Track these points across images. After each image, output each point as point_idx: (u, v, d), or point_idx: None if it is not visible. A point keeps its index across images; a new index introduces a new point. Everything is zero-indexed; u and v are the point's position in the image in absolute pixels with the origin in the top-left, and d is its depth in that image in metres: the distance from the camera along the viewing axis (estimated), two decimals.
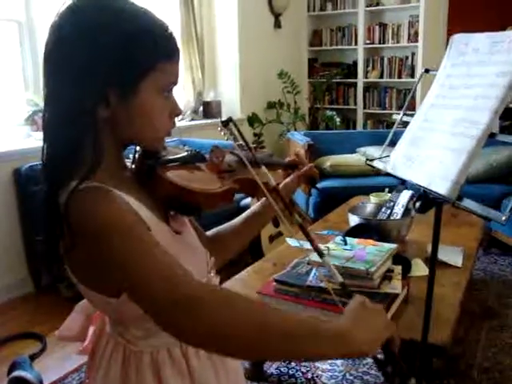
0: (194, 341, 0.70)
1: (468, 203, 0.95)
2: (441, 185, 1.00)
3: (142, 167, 0.85)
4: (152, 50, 0.76)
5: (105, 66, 0.74)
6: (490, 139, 1.02)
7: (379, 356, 0.77)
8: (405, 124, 1.34)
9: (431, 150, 1.10)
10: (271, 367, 2.22)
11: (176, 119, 0.86)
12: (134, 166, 0.88)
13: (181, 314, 0.66)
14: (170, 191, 0.81)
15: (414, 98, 4.83)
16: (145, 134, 0.81)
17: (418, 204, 1.07)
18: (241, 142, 0.98)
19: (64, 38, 0.75)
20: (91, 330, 0.92)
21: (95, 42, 0.73)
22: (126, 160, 0.88)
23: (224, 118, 0.96)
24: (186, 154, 0.91)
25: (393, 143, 1.36)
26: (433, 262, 1.21)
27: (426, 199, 1.05)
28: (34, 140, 3.15)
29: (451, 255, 2.10)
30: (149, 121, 0.79)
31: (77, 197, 0.70)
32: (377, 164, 1.28)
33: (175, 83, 0.82)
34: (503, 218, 0.87)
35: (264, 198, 1.04)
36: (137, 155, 0.88)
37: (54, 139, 0.77)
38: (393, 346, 0.75)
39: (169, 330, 0.69)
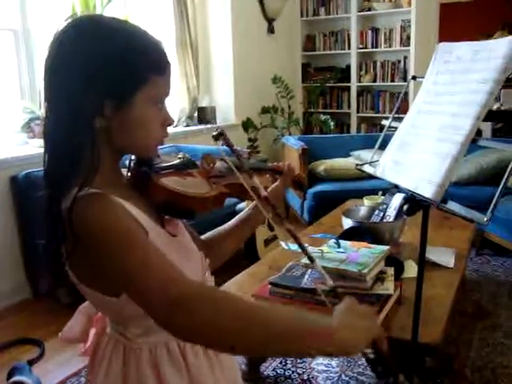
0: (185, 337, 0.74)
1: (452, 205, 0.98)
2: (426, 188, 1.03)
3: (137, 174, 0.90)
4: (144, 64, 0.81)
5: (100, 81, 0.78)
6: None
7: (371, 356, 0.79)
8: (396, 128, 1.39)
9: (418, 154, 1.14)
10: (268, 369, 2.25)
11: (169, 128, 0.90)
12: (129, 174, 0.92)
13: (174, 313, 0.70)
14: (164, 196, 0.86)
15: (406, 101, 4.88)
16: (138, 143, 0.85)
17: (405, 207, 1.11)
18: (234, 147, 1.03)
19: (62, 54, 0.80)
20: (92, 331, 0.96)
21: (91, 58, 0.78)
22: (122, 168, 0.92)
23: (217, 126, 1.01)
24: (178, 161, 0.96)
25: (384, 147, 1.39)
26: (421, 262, 1.25)
27: (413, 202, 1.09)
28: (31, 147, 3.18)
29: (443, 256, 2.14)
30: (142, 131, 0.84)
31: (79, 203, 0.74)
32: (367, 168, 1.32)
33: (167, 95, 0.87)
34: (485, 220, 0.91)
35: (254, 202, 1.09)
36: (132, 163, 0.92)
37: (54, 149, 0.82)
38: (380, 346, 0.77)
39: (165, 327, 0.72)
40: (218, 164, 1.01)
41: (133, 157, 0.92)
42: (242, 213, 1.14)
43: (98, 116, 0.80)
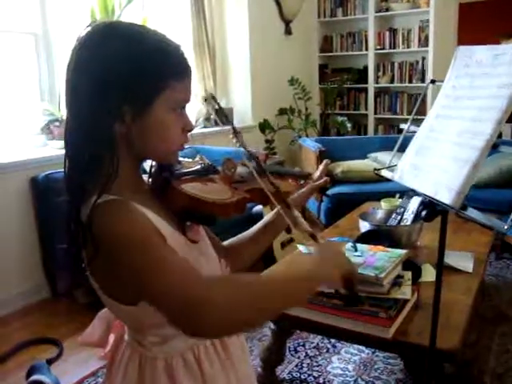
0: (210, 335, 0.79)
1: (471, 212, 0.97)
2: (445, 194, 1.02)
3: (158, 180, 0.90)
4: (164, 69, 0.81)
5: (119, 86, 0.79)
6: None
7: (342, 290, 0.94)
8: (414, 132, 1.37)
9: (437, 159, 1.13)
10: (283, 372, 2.24)
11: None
12: (150, 180, 0.92)
13: (194, 315, 0.71)
14: (185, 202, 0.86)
15: (424, 103, 4.83)
16: (159, 149, 0.86)
17: (423, 212, 1.10)
18: (251, 149, 1.03)
19: (82, 61, 0.80)
20: (112, 337, 0.96)
21: (110, 64, 0.78)
22: (144, 175, 0.92)
23: (235, 125, 1.01)
24: (199, 166, 0.95)
25: (402, 150, 1.38)
26: (439, 268, 1.23)
27: (431, 208, 1.08)
28: (51, 149, 3.22)
29: (462, 261, 2.11)
30: (162, 136, 0.84)
31: (98, 210, 0.75)
32: (385, 173, 1.31)
33: (187, 100, 0.87)
34: (505, 227, 0.89)
35: (278, 207, 1.08)
36: (153, 169, 0.92)
37: (75, 155, 0.82)
38: (350, 281, 0.89)
39: (187, 331, 0.74)
40: (240, 169, 1.01)
41: (154, 163, 0.92)
42: (265, 218, 1.14)
43: (118, 122, 0.80)
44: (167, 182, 0.88)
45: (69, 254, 0.81)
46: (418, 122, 1.35)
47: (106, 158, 0.80)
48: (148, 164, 0.93)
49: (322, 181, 1.14)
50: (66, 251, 0.82)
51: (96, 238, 0.75)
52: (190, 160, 1.00)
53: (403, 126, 1.38)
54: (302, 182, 1.15)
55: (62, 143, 3.18)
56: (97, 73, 0.79)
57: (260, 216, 1.18)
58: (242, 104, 4.94)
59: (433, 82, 1.30)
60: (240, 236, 1.13)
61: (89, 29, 0.82)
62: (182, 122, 0.86)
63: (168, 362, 0.87)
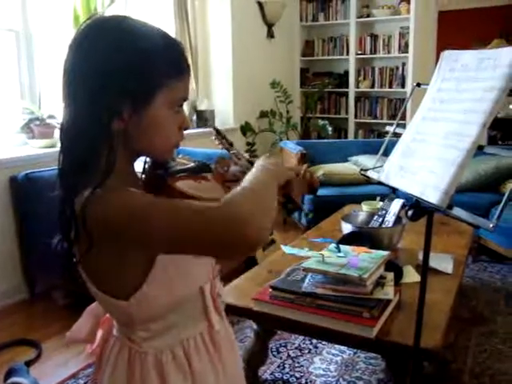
0: (260, 240, 0.78)
1: (458, 212, 1.00)
2: (432, 194, 1.05)
3: (152, 177, 0.90)
4: (164, 66, 0.81)
5: (119, 82, 0.78)
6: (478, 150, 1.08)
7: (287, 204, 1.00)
8: (397, 135, 1.40)
9: (423, 160, 1.15)
10: (266, 373, 2.25)
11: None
12: (143, 177, 0.92)
13: (237, 233, 0.74)
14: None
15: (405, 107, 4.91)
16: (155, 146, 0.85)
17: (410, 212, 1.12)
18: (235, 150, 1.04)
19: (81, 55, 0.80)
20: (99, 333, 0.96)
21: (110, 58, 0.78)
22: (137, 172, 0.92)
23: (217, 126, 1.03)
24: (193, 164, 0.96)
25: (385, 153, 1.41)
26: (425, 268, 1.26)
27: (418, 208, 1.10)
28: (31, 148, 3.18)
29: (442, 262, 2.15)
30: (159, 133, 0.84)
31: (93, 202, 0.74)
32: (371, 174, 1.33)
33: (185, 99, 0.87)
34: (491, 226, 0.92)
35: None
36: (147, 166, 0.92)
37: (71, 150, 0.81)
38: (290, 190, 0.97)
39: (239, 252, 0.79)
40: (233, 168, 1.02)
41: (148, 159, 0.92)
42: None
43: (116, 118, 0.79)
44: (162, 178, 0.88)
45: (60, 250, 0.80)
46: (399, 126, 1.38)
47: (103, 153, 0.79)
48: (142, 160, 0.92)
49: (308, 175, 1.15)
50: (56, 247, 0.81)
51: (95, 228, 0.74)
52: (184, 158, 1.01)
53: (389, 128, 1.40)
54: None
55: (42, 142, 3.15)
56: (95, 68, 0.78)
57: None
58: (224, 106, 4.94)
59: (418, 85, 1.33)
60: None
61: (88, 22, 0.81)
62: (179, 120, 0.87)
63: (158, 357, 0.87)
